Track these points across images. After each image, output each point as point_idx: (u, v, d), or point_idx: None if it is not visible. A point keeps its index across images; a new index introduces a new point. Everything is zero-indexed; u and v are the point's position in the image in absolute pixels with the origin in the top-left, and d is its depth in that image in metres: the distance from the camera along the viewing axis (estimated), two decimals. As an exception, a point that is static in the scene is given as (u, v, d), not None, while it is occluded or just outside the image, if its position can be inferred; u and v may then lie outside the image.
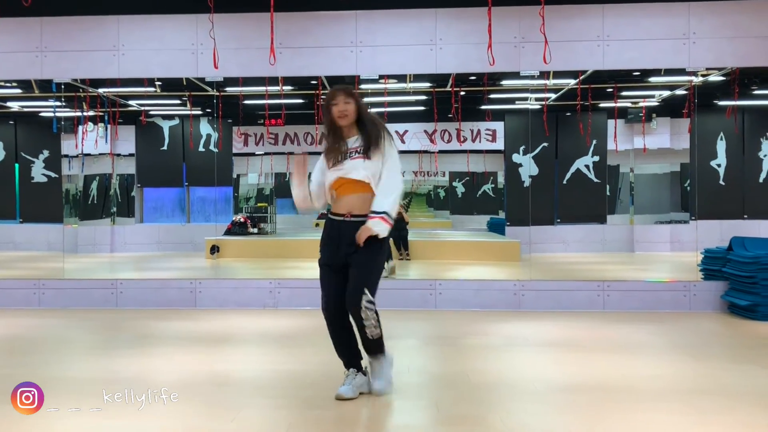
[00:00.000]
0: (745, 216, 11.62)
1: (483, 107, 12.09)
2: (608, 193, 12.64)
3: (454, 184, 15.44)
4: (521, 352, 5.76)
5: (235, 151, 13.58)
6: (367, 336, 4.12)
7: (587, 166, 12.22)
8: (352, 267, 4.18)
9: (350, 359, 4.29)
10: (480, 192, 15.06)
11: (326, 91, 10.90)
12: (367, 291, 4.08)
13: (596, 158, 12.24)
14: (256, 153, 14.52)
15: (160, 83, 10.41)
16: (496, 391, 4.47)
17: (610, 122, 12.09)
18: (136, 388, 4.49)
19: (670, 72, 8.84)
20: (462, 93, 10.79)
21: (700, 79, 8.77)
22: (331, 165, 4.24)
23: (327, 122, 4.28)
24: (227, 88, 10.95)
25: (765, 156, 11.80)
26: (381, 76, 8.40)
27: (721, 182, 11.76)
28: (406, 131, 12.91)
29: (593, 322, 6.89)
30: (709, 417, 3.89)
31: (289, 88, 10.89)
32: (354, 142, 4.25)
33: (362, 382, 4.27)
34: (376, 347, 4.20)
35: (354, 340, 4.29)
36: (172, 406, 4.04)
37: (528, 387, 4.57)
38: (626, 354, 5.60)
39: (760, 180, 11.77)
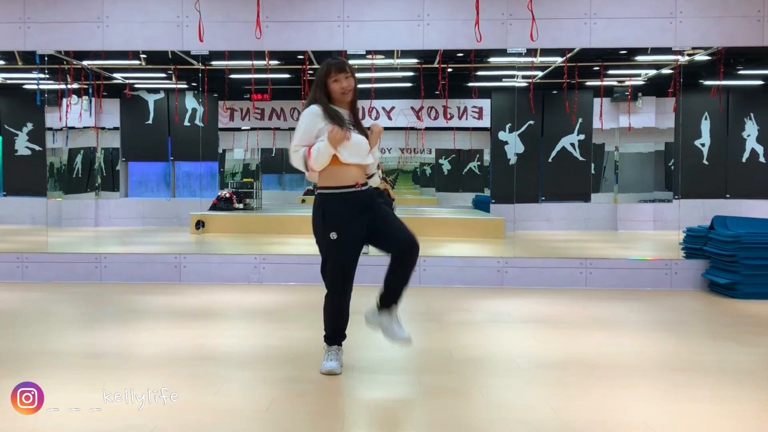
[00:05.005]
0: (728, 195, 11.71)
1: (470, 84, 12.07)
2: (593, 172, 12.70)
3: (441, 161, 15.44)
4: (504, 328, 5.82)
5: (220, 125, 13.51)
6: (410, 277, 4.15)
7: (573, 145, 12.26)
8: (383, 223, 4.14)
9: (342, 335, 4.30)
10: (466, 169, 15.07)
11: (314, 67, 10.91)
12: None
13: (582, 136, 12.27)
14: (242, 128, 14.45)
15: (145, 56, 10.31)
16: (478, 366, 4.52)
17: (596, 101, 12.11)
18: (120, 362, 4.52)
19: (656, 51, 8.85)
20: (449, 70, 10.76)
21: (686, 58, 8.79)
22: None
23: (320, 97, 4.12)
24: (213, 62, 10.87)
25: (748, 136, 11.88)
26: (368, 52, 8.36)
27: (705, 162, 11.84)
28: (393, 108, 12.88)
29: (575, 300, 6.96)
30: (687, 392, 3.96)
31: (276, 62, 10.82)
32: (349, 119, 4.18)
33: (342, 356, 4.30)
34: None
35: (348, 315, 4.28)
36: (156, 379, 4.06)
37: (510, 362, 4.63)
38: (607, 331, 5.67)
39: (743, 160, 11.85)
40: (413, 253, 4.12)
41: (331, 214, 4.09)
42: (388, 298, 4.20)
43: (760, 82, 11.98)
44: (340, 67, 4.12)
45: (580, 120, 12.17)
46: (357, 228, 4.10)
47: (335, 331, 4.28)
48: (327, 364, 4.20)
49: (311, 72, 11.22)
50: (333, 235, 4.06)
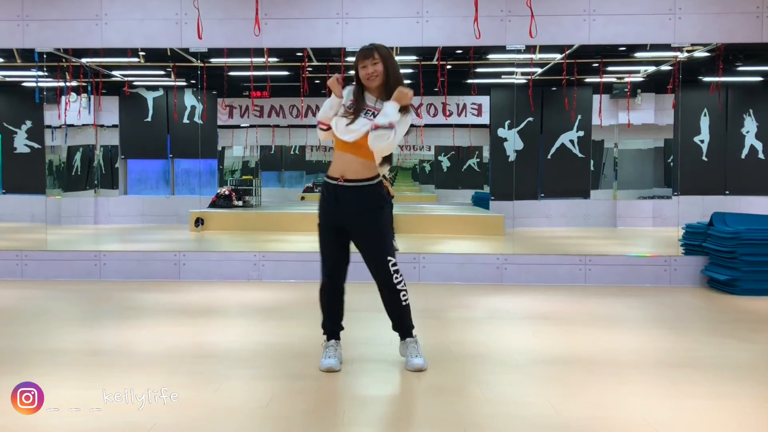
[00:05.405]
0: (727, 192, 11.72)
1: (469, 81, 12.07)
2: (592, 168, 12.70)
3: (440, 158, 15.46)
4: (503, 325, 5.82)
5: (219, 123, 13.51)
6: (401, 303, 4.19)
7: (572, 141, 12.25)
8: (360, 238, 4.22)
9: (336, 328, 4.34)
10: (465, 166, 15.09)
11: (313, 64, 10.89)
12: (389, 257, 4.16)
13: (581, 133, 12.27)
14: (241, 125, 14.45)
15: (143, 54, 10.30)
16: (477, 362, 4.52)
17: (596, 97, 12.11)
18: (119, 360, 4.53)
19: (655, 47, 8.84)
20: (448, 67, 10.75)
21: (685, 54, 8.79)
22: (343, 113, 4.15)
23: (356, 86, 4.19)
24: (212, 59, 10.86)
25: (747, 132, 11.88)
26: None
27: (704, 158, 11.84)
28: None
29: (575, 296, 6.96)
30: (686, 389, 3.96)
31: (275, 59, 10.82)
32: (375, 102, 4.16)
33: (341, 352, 4.33)
34: (409, 320, 4.28)
35: (343, 308, 4.35)
36: (155, 377, 4.07)
37: (509, 359, 4.63)
38: (606, 327, 5.67)
39: (742, 156, 11.86)
40: (384, 292, 4.23)
41: (320, 198, 4.32)
42: (395, 328, 4.35)
43: (759, 79, 11.98)
44: (364, 54, 4.15)
45: (579, 117, 12.17)
46: (330, 216, 4.24)
47: (329, 320, 4.33)
48: (325, 361, 4.21)
49: (310, 69, 11.23)
50: (318, 219, 4.30)
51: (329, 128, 4.24)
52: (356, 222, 4.20)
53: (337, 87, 4.21)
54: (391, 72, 4.14)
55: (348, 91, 4.23)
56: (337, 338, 4.34)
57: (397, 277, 4.18)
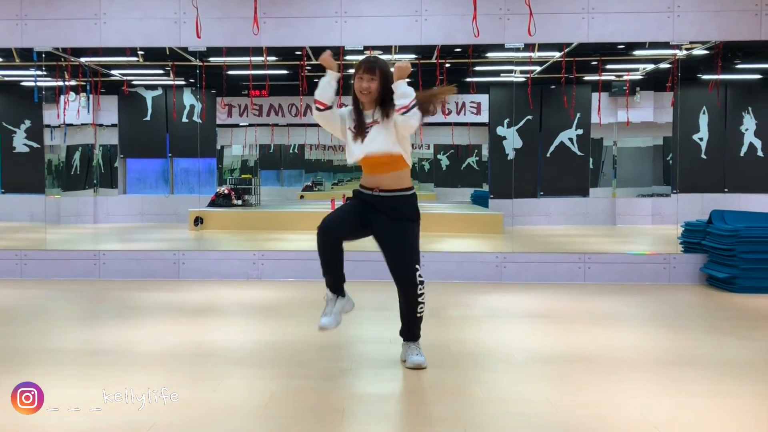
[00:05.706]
0: (726, 189, 11.72)
1: (468, 80, 12.06)
2: (591, 166, 12.70)
3: (439, 156, 15.45)
4: (502, 323, 5.83)
5: (219, 122, 13.49)
6: (416, 314, 4.20)
7: (571, 139, 12.25)
8: (387, 245, 4.19)
9: (338, 279, 4.24)
10: (464, 165, 15.08)
11: (312, 63, 10.88)
12: (417, 266, 4.17)
13: (580, 131, 12.27)
14: (240, 124, 14.45)
15: (142, 53, 10.29)
16: (476, 361, 4.53)
17: (594, 95, 12.10)
18: (119, 359, 4.53)
19: (654, 45, 8.85)
20: (447, 65, 10.74)
21: (684, 52, 8.79)
22: (354, 139, 4.15)
23: (352, 92, 4.17)
24: (211, 58, 10.85)
25: (746, 130, 11.88)
26: (366, 47, 8.35)
27: (703, 156, 11.84)
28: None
29: (574, 294, 6.97)
30: (685, 386, 3.96)
31: (274, 58, 10.81)
32: (373, 114, 4.14)
33: (342, 305, 4.26)
34: (418, 329, 4.29)
35: (343, 260, 4.22)
36: (155, 376, 4.07)
37: (508, 357, 4.63)
38: (606, 325, 5.68)
39: (741, 154, 11.86)
40: (406, 292, 4.19)
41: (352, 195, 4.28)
42: (402, 330, 4.35)
43: (758, 76, 11.98)
44: (367, 67, 4.09)
45: (578, 115, 12.16)
46: (361, 205, 4.19)
47: (326, 269, 4.20)
48: (322, 320, 4.19)
49: (309, 68, 11.22)
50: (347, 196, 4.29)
51: (326, 108, 4.13)
52: (386, 226, 4.18)
53: (330, 61, 4.10)
54: (387, 91, 4.09)
55: (348, 111, 4.20)
56: (341, 292, 4.24)
57: (421, 289, 4.17)
